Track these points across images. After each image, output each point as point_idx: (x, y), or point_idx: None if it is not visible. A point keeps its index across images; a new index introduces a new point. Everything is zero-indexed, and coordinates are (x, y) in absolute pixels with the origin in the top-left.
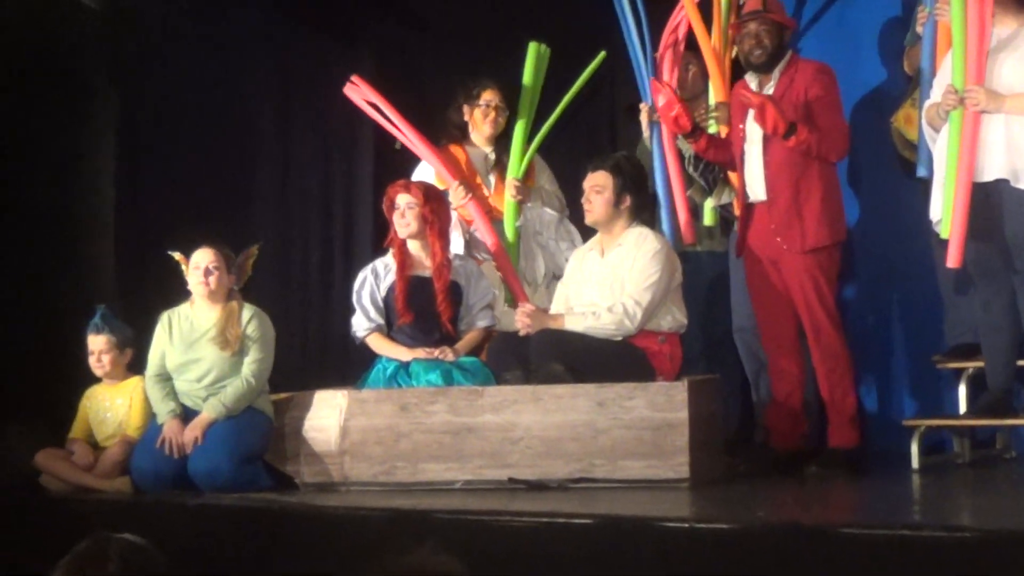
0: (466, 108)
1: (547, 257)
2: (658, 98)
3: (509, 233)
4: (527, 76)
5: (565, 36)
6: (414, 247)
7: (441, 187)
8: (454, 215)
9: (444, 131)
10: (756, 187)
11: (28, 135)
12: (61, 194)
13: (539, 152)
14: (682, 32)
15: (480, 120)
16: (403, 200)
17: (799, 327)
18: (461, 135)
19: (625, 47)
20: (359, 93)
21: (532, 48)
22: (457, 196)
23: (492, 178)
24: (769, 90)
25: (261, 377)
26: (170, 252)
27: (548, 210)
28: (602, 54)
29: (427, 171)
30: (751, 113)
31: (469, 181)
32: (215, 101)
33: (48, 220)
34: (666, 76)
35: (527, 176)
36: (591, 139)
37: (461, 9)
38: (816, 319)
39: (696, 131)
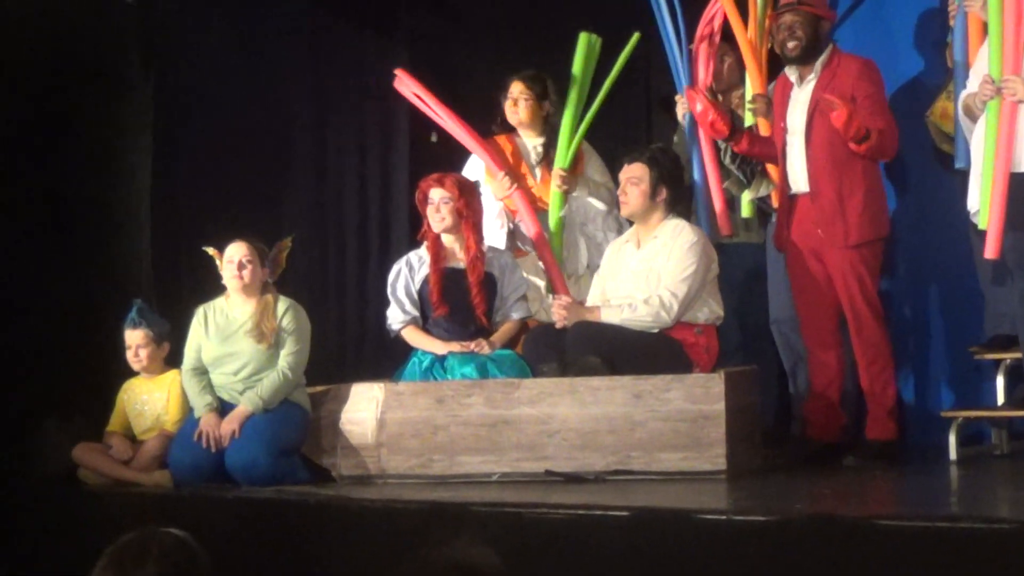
0: (502, 100)
1: (593, 248)
2: (695, 105)
3: (553, 223)
4: (576, 66)
5: (599, 27)
6: (448, 239)
7: (487, 179)
8: (499, 205)
9: (494, 123)
10: (799, 179)
11: (64, 130)
12: (97, 188)
13: (590, 143)
14: (717, 23)
15: (508, 111)
16: (437, 195)
17: (839, 319)
18: (510, 129)
19: (660, 37)
20: (406, 86)
21: (583, 38)
22: (502, 187)
23: (539, 169)
24: (811, 83)
25: (297, 369)
26: (204, 247)
27: (594, 201)
28: (636, 35)
29: (478, 162)
30: (791, 106)
31: (515, 171)
32: (250, 94)
33: (84, 214)
34: (701, 68)
35: (575, 166)
36: (627, 130)
37: (495, 0)
38: (859, 311)
39: (735, 133)
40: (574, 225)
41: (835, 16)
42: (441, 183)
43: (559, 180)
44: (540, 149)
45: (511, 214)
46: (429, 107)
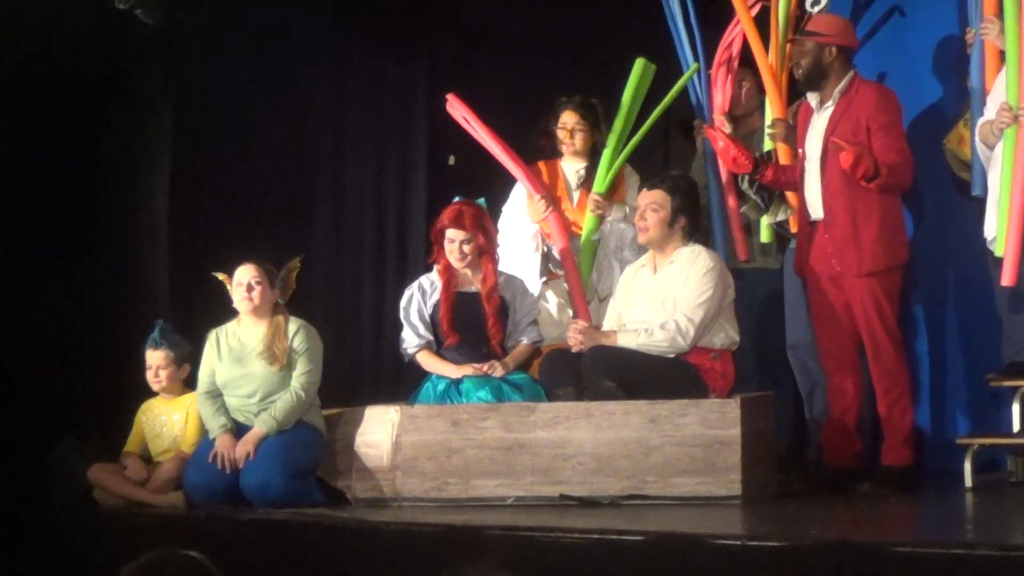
0: (552, 128)
1: None
2: (717, 143)
3: (583, 244)
4: (628, 92)
5: (618, 51)
6: (468, 264)
7: (526, 201)
8: (534, 228)
9: (535, 147)
10: (816, 205)
11: (83, 151)
12: (117, 208)
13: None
14: (736, 48)
15: (562, 141)
16: (457, 235)
17: (858, 345)
18: (553, 155)
19: (678, 62)
20: (456, 110)
21: (638, 64)
22: (538, 210)
23: (578, 192)
24: (828, 110)
25: (310, 389)
26: (214, 274)
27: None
28: (695, 66)
29: (521, 187)
30: (809, 132)
31: (551, 195)
32: (269, 116)
33: (104, 233)
34: (719, 94)
35: (614, 191)
36: (644, 154)
37: (515, 23)
38: (877, 339)
39: (759, 167)
40: (608, 250)
41: (844, 41)
42: (459, 224)
43: (593, 204)
44: (582, 172)
45: (545, 237)
46: (476, 131)
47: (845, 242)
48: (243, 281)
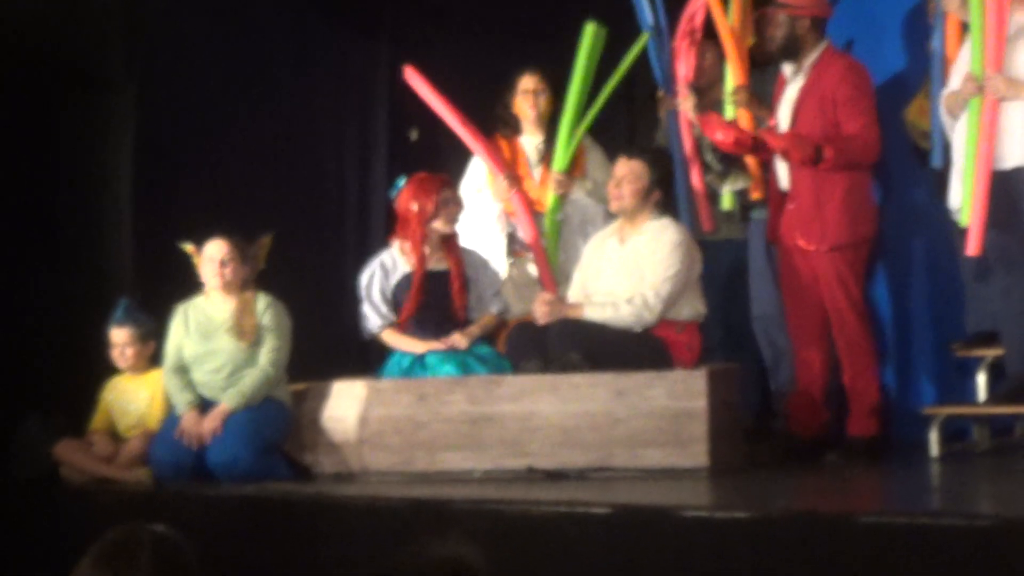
0: (512, 99)
1: None
2: (715, 134)
3: (547, 226)
4: (580, 59)
5: (582, 24)
6: (431, 241)
7: (489, 180)
8: (499, 208)
9: (495, 125)
10: (784, 176)
11: (46, 131)
12: (80, 188)
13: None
14: (699, 20)
15: (522, 107)
16: (451, 194)
17: (826, 316)
18: (512, 130)
19: (641, 32)
20: (415, 84)
21: (588, 30)
22: (501, 189)
23: (539, 169)
24: (799, 81)
25: (278, 366)
26: (181, 244)
27: (593, 202)
28: (645, 36)
29: (480, 164)
30: (782, 103)
31: (514, 173)
32: (231, 95)
33: (67, 214)
34: (683, 65)
35: (575, 167)
36: (608, 126)
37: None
38: (842, 313)
39: (758, 144)
40: (573, 226)
41: (816, 11)
42: (450, 184)
43: (556, 184)
44: (542, 147)
45: (509, 216)
46: (435, 105)
47: (809, 216)
48: (215, 257)
